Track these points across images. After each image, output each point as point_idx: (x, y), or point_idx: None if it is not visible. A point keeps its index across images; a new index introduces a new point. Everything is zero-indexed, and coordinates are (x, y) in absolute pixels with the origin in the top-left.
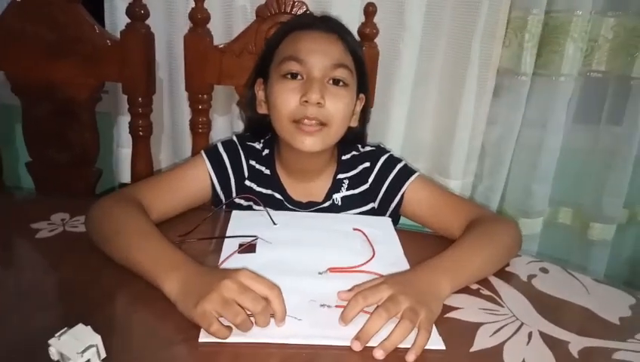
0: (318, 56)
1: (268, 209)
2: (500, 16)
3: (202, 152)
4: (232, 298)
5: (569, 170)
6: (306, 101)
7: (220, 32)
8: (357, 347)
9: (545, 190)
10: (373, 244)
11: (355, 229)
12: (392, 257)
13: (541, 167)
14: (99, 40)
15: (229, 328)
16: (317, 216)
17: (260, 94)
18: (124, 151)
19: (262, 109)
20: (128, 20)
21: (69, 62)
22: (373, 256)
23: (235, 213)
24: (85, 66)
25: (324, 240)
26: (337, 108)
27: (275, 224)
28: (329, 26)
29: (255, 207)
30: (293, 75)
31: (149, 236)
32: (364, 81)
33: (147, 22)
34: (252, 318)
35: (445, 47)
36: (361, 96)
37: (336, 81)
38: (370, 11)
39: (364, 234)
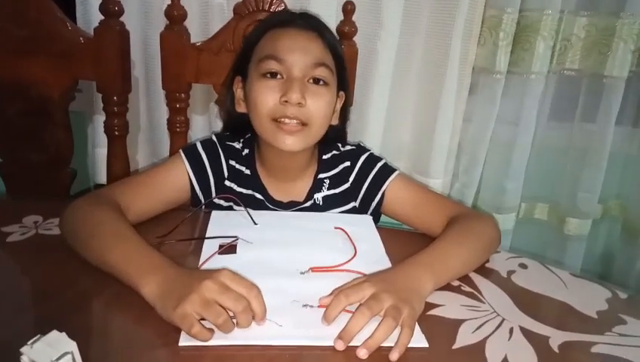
0: (298, 54)
1: (248, 209)
2: (475, 15)
3: (180, 152)
4: (213, 298)
5: (545, 166)
6: (286, 101)
7: (197, 30)
8: (340, 346)
9: (517, 186)
10: (354, 243)
11: (336, 228)
12: (373, 255)
13: (513, 163)
14: (72, 37)
15: (211, 330)
16: (298, 216)
17: (239, 93)
18: (100, 151)
19: (241, 108)
20: (101, 17)
21: (40, 59)
22: (355, 254)
23: (214, 213)
24: (57, 64)
25: (305, 240)
26: (318, 107)
27: (255, 224)
28: (309, 23)
29: (235, 207)
30: (273, 74)
31: (125, 238)
32: (344, 78)
33: (122, 19)
34: (233, 320)
35: (423, 46)
36: (341, 93)
37: (316, 80)
38: (348, 10)
39: (345, 232)
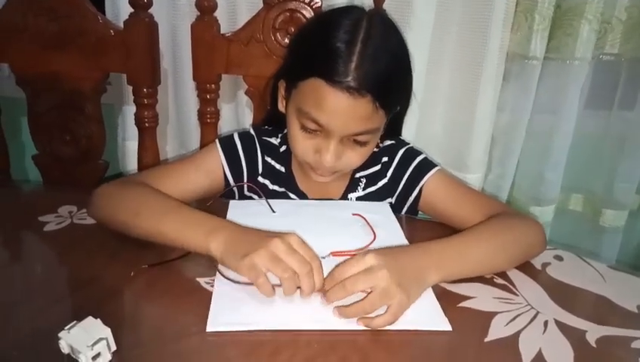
0: (341, 123)
1: (266, 198)
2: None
3: (216, 141)
4: (280, 256)
5: (580, 156)
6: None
7: (224, 21)
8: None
9: (557, 177)
10: (373, 229)
11: (354, 214)
12: (393, 240)
13: (553, 153)
14: (102, 30)
15: (272, 289)
16: (316, 204)
17: (282, 93)
18: (129, 143)
19: (282, 107)
20: (129, 10)
21: (72, 53)
22: (374, 239)
23: (232, 202)
24: (89, 57)
25: (324, 227)
26: (354, 161)
27: (274, 212)
28: (364, 81)
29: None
30: (312, 130)
31: (176, 207)
32: (406, 101)
33: (149, 11)
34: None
35: (458, 34)
36: (395, 110)
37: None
38: None
39: (363, 218)
